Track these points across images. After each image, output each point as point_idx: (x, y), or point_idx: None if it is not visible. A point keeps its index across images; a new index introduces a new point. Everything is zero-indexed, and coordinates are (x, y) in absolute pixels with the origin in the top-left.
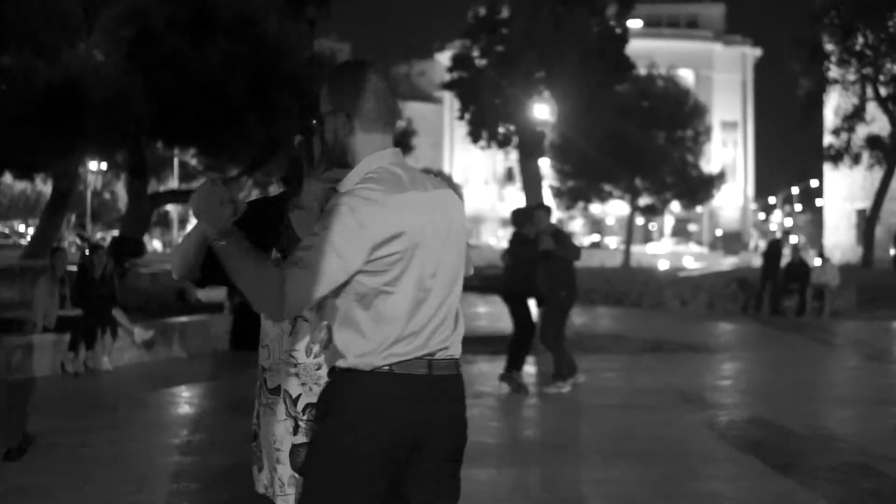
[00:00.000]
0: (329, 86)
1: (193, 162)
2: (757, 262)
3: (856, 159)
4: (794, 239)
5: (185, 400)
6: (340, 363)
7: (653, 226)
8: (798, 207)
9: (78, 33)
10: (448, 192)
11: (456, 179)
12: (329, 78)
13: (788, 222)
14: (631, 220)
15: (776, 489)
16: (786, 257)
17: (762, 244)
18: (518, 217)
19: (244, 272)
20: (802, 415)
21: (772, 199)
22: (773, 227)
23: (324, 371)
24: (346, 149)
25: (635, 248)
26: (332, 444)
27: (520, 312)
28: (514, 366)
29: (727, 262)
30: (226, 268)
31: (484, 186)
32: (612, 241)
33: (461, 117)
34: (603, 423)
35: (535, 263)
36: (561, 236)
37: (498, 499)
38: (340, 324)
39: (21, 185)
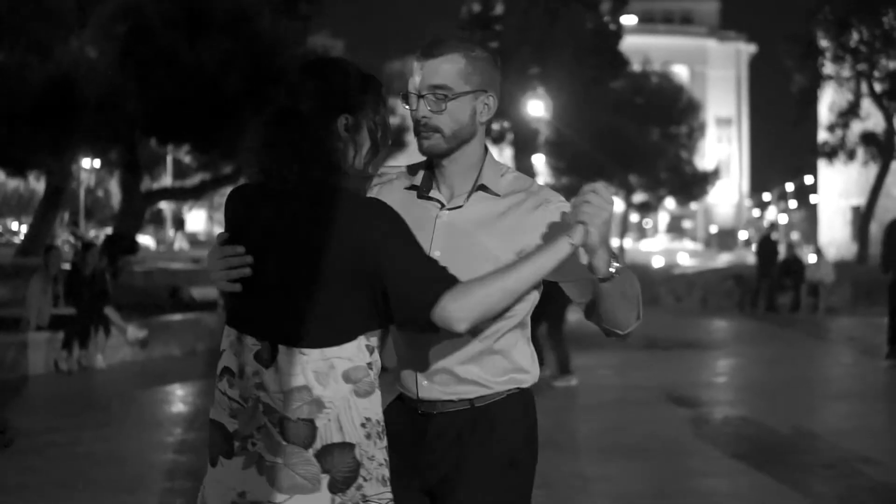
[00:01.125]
0: (472, 62)
1: (187, 159)
2: (752, 258)
3: (851, 155)
4: (775, 235)
5: (179, 398)
6: (525, 382)
7: (647, 222)
8: (793, 204)
9: (71, 30)
10: None
11: None
12: (468, 53)
13: (783, 219)
14: (625, 216)
15: (772, 485)
16: (780, 254)
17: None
18: None
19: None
20: (798, 411)
21: (766, 196)
22: (766, 223)
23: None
24: (474, 135)
25: (629, 245)
26: (532, 463)
27: None
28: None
29: (722, 259)
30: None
31: None
32: None
33: None
34: (599, 420)
35: None
36: None
37: None
38: (521, 341)
39: (14, 183)
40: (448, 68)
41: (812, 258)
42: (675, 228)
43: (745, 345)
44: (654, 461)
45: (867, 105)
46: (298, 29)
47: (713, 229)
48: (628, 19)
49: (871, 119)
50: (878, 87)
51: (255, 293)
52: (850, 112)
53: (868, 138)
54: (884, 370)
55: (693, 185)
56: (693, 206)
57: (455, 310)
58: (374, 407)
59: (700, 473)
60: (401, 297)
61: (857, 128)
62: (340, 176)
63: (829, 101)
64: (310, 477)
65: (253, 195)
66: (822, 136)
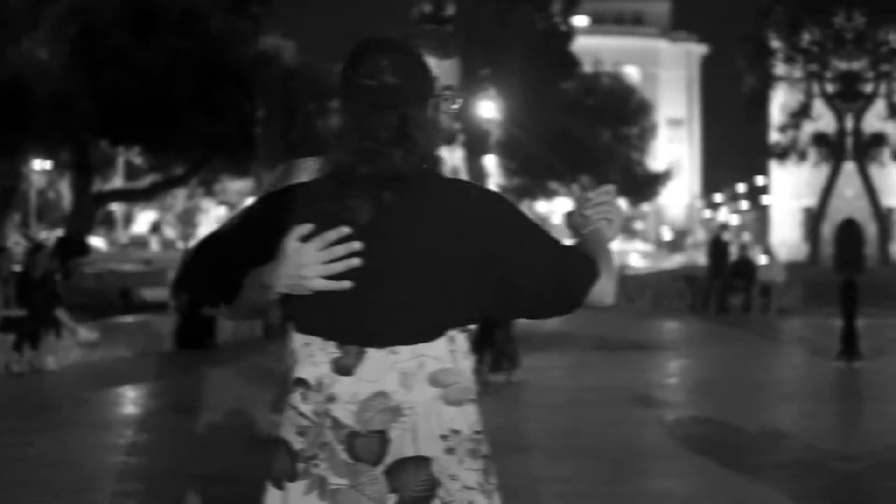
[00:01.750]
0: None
1: (139, 160)
2: (703, 259)
3: (802, 156)
4: (726, 236)
5: (130, 400)
6: None
7: None
8: (744, 205)
9: (22, 31)
10: None
11: None
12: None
13: (734, 219)
14: None
15: (725, 486)
16: (731, 255)
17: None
18: None
19: None
20: (749, 411)
21: (718, 197)
22: (717, 224)
23: None
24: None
25: None
26: None
27: None
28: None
29: (674, 260)
30: None
31: None
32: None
33: None
34: (551, 421)
35: None
36: None
37: None
38: None
39: None
40: None
41: (763, 259)
42: (626, 230)
43: (697, 346)
44: (608, 462)
45: (819, 106)
46: (249, 29)
47: (666, 231)
48: (579, 20)
49: (823, 120)
50: (829, 88)
51: (334, 292)
52: (801, 113)
53: (819, 139)
54: (834, 371)
55: (644, 185)
56: (645, 207)
57: (612, 285)
58: (464, 418)
59: (653, 474)
60: (547, 280)
61: (808, 128)
62: (440, 161)
63: (780, 102)
64: (376, 497)
65: (321, 189)
66: (774, 136)
